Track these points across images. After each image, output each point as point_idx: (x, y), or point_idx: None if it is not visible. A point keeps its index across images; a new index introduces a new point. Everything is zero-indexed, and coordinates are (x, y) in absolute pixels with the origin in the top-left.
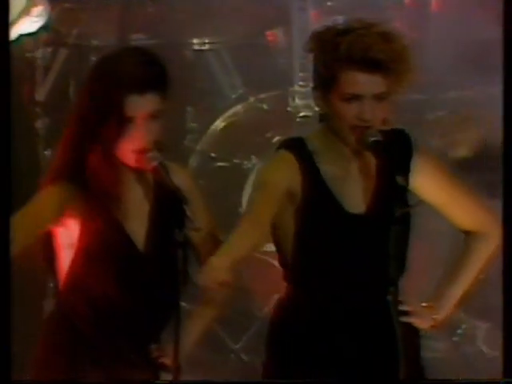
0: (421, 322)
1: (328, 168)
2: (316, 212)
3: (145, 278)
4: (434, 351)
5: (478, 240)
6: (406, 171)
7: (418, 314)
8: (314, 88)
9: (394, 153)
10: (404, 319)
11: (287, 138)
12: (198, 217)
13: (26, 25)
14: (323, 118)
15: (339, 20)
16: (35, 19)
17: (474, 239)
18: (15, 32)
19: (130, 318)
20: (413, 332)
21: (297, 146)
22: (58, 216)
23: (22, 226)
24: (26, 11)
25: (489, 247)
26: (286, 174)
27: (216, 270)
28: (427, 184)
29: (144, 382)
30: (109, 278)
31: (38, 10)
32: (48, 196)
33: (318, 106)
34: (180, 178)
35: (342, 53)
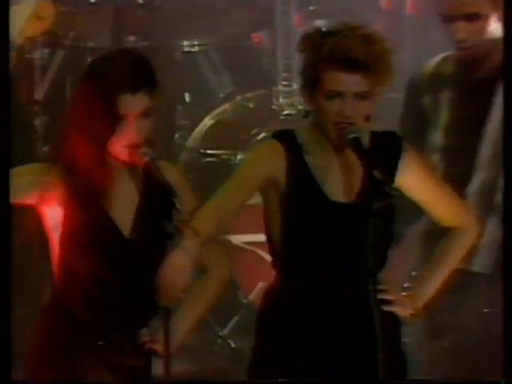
0: (401, 311)
1: (314, 159)
2: (300, 199)
3: (130, 263)
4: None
5: (458, 234)
6: (393, 169)
7: (399, 303)
8: (302, 86)
9: (381, 151)
10: (385, 308)
11: (279, 130)
12: (188, 210)
13: (34, 27)
14: (309, 114)
15: (321, 23)
16: (43, 21)
17: (455, 234)
18: (24, 34)
19: (118, 302)
20: (393, 320)
21: (286, 137)
22: (42, 189)
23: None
24: (34, 14)
25: (468, 241)
26: (271, 159)
27: (200, 221)
28: (413, 182)
29: (144, 382)
30: (95, 263)
31: (46, 12)
32: (34, 185)
33: (305, 102)
34: (170, 175)
35: (325, 53)
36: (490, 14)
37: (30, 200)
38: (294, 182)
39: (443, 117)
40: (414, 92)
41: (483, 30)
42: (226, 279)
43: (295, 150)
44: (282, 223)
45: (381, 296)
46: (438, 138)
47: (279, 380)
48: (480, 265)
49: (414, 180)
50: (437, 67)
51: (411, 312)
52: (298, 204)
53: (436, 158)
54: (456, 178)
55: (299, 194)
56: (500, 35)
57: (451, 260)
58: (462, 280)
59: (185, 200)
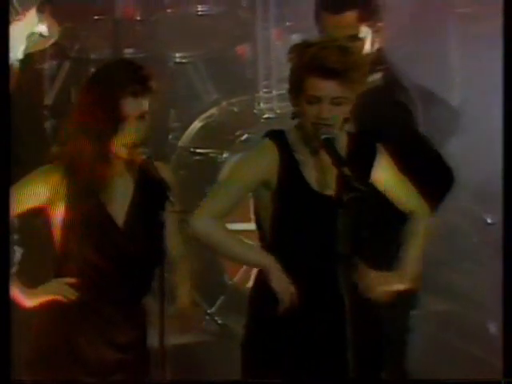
0: (391, 287)
1: (301, 157)
2: (291, 194)
3: (123, 249)
4: None
5: (418, 220)
6: (369, 167)
7: (379, 283)
8: (288, 91)
9: (356, 151)
10: (366, 290)
11: (272, 130)
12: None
13: (39, 43)
14: (295, 116)
15: (296, 37)
16: (48, 37)
17: (416, 219)
18: (28, 49)
19: (113, 283)
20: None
21: (279, 137)
22: (49, 195)
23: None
24: (37, 33)
25: (425, 223)
26: (266, 163)
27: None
28: (384, 177)
29: (145, 382)
30: (93, 249)
31: (51, 30)
32: (41, 182)
33: (292, 105)
34: (164, 173)
35: (306, 62)
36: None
37: (41, 205)
38: (286, 178)
39: None
40: None
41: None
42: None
43: (286, 148)
44: (273, 215)
45: (360, 277)
46: None
47: (279, 380)
48: None
49: (385, 175)
50: None
51: (402, 287)
52: (289, 198)
53: None
54: None
55: (290, 189)
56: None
57: (419, 240)
58: None
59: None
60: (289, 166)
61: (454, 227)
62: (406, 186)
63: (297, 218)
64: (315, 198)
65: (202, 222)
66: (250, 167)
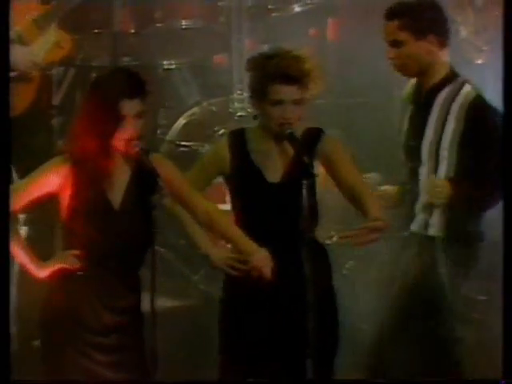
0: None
1: (255, 149)
2: (242, 180)
3: (118, 228)
4: None
5: (361, 193)
6: (313, 153)
7: (357, 235)
8: (250, 97)
9: (307, 141)
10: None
11: (235, 128)
12: (176, 187)
13: (55, 54)
14: (256, 117)
15: (266, 48)
16: (63, 49)
17: (358, 192)
18: (47, 59)
19: (111, 256)
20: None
21: (235, 134)
22: (59, 182)
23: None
24: (57, 43)
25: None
26: (220, 154)
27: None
28: (328, 163)
29: (147, 382)
30: (93, 228)
31: (66, 42)
32: (52, 172)
33: (253, 108)
34: (161, 162)
35: (270, 71)
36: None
37: (54, 190)
38: (237, 167)
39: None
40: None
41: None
42: None
43: (240, 143)
44: (231, 199)
45: (340, 235)
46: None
47: (277, 380)
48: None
49: (328, 161)
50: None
51: (376, 235)
52: (241, 183)
53: None
54: None
55: (241, 176)
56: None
57: (367, 197)
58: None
59: (172, 179)
60: (241, 156)
61: None
62: (348, 166)
63: (251, 202)
64: (266, 186)
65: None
66: (204, 163)
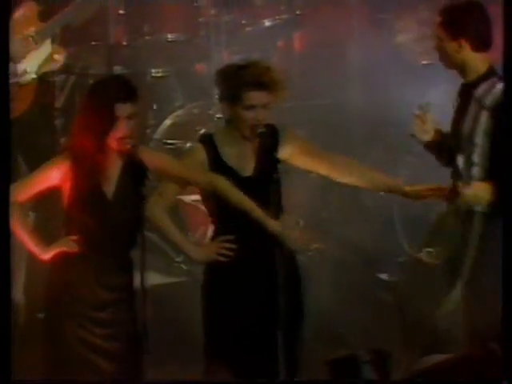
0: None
1: (226, 150)
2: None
3: (111, 215)
4: None
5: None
6: (276, 148)
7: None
8: (221, 102)
9: (271, 138)
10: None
11: (202, 134)
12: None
13: (49, 65)
14: (228, 120)
15: (240, 58)
16: (57, 62)
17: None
18: (42, 70)
19: (106, 239)
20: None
21: (206, 139)
22: (61, 176)
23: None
24: (49, 57)
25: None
26: (197, 159)
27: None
28: (291, 153)
29: (153, 382)
30: (90, 216)
31: (60, 55)
32: (55, 168)
33: (223, 113)
34: (145, 154)
35: (243, 80)
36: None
37: (57, 183)
38: (214, 167)
39: None
40: None
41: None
42: None
43: (212, 147)
44: (212, 194)
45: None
46: None
47: (276, 380)
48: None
49: (292, 152)
50: None
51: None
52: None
53: None
54: None
55: (219, 174)
56: None
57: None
58: None
59: (160, 170)
60: (215, 158)
61: None
62: (313, 152)
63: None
64: (240, 179)
65: (152, 209)
66: (185, 168)
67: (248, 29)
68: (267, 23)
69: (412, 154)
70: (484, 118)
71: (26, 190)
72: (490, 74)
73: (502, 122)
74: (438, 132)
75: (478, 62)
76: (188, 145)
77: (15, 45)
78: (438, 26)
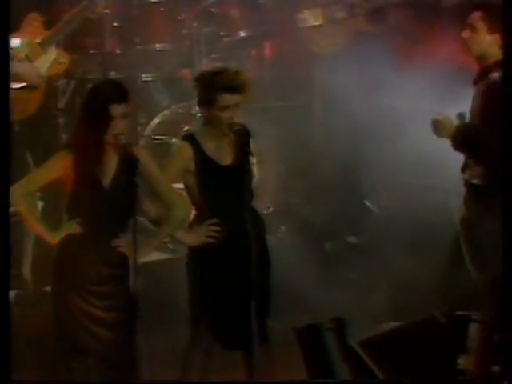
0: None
1: (207, 146)
2: (204, 169)
3: (108, 203)
4: None
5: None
6: (248, 144)
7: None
8: (199, 105)
9: (244, 134)
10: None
11: (186, 134)
12: (151, 171)
13: (55, 68)
14: (206, 120)
15: (218, 64)
16: (61, 65)
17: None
18: (49, 72)
19: (104, 223)
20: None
21: (189, 138)
22: (64, 170)
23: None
24: (56, 60)
25: None
26: (185, 155)
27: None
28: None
29: (146, 382)
30: (88, 204)
31: (65, 58)
32: (59, 162)
33: (202, 114)
34: (139, 152)
35: (218, 84)
36: None
37: (59, 176)
38: (199, 161)
39: None
40: None
41: None
42: (187, 216)
43: (195, 143)
44: (197, 183)
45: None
46: None
47: (280, 380)
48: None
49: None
50: None
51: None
52: (204, 172)
53: None
54: None
55: (202, 167)
56: None
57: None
58: None
59: (148, 164)
60: (199, 153)
61: None
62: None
63: (211, 182)
64: (220, 168)
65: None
66: (175, 164)
67: (226, 39)
68: (242, 34)
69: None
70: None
71: (35, 181)
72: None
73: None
74: (458, 127)
75: (498, 52)
76: (173, 140)
77: (25, 52)
78: (480, 19)
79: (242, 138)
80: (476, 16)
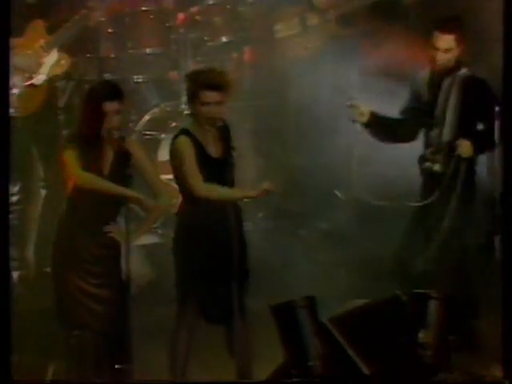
0: None
1: (200, 139)
2: (200, 160)
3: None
4: None
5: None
6: (230, 138)
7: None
8: (187, 101)
9: (227, 130)
10: None
11: (181, 129)
12: (142, 163)
13: (57, 68)
14: (192, 115)
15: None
16: (63, 66)
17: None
18: (52, 72)
19: (101, 206)
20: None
21: (186, 132)
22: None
23: None
24: (57, 63)
25: None
26: (191, 149)
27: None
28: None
29: (145, 382)
30: (89, 192)
31: (65, 60)
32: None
33: (189, 109)
34: (132, 145)
35: (200, 82)
36: None
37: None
38: (198, 153)
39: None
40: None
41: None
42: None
43: (193, 137)
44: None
45: None
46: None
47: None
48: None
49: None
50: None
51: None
52: (199, 163)
53: None
54: None
55: (199, 159)
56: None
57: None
58: None
59: (140, 157)
60: (197, 146)
61: None
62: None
63: (203, 173)
64: (212, 160)
65: (203, 187)
66: (191, 160)
67: (209, 44)
68: (224, 40)
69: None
70: (454, 95)
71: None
72: (458, 65)
73: (504, 119)
74: (373, 114)
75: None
76: (163, 136)
77: (29, 54)
78: (453, 40)
79: (224, 133)
80: (449, 39)
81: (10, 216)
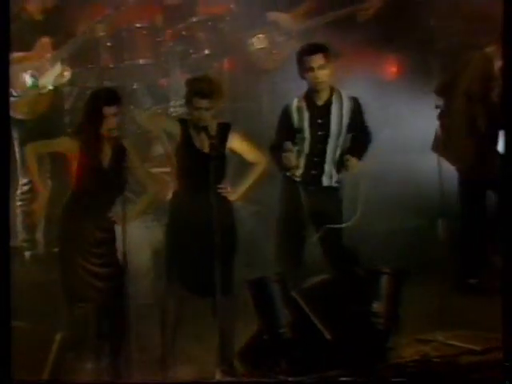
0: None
1: (192, 134)
2: (187, 152)
3: (105, 179)
4: None
5: (256, 166)
6: (225, 140)
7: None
8: (186, 105)
9: (221, 132)
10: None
11: (180, 119)
12: (133, 162)
13: (60, 79)
14: (189, 116)
15: (186, 77)
16: (65, 77)
17: (254, 166)
18: (55, 83)
19: (100, 194)
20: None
21: (182, 121)
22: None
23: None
24: (60, 74)
25: (260, 169)
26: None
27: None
28: (235, 146)
29: (144, 382)
30: (91, 179)
31: (67, 72)
32: (62, 141)
33: (187, 112)
34: (126, 144)
35: (192, 89)
36: None
37: (62, 151)
38: (184, 144)
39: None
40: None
41: None
42: (157, 196)
43: (186, 129)
44: (180, 164)
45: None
46: None
47: (276, 380)
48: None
49: (235, 145)
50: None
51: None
52: (188, 154)
53: None
54: None
55: (187, 150)
56: None
57: (252, 176)
58: None
59: (131, 155)
60: (187, 139)
61: None
62: (249, 148)
63: (191, 162)
64: (199, 153)
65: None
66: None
67: (194, 56)
68: (207, 52)
69: None
70: (345, 119)
71: (43, 146)
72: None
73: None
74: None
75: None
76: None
77: (36, 66)
78: (323, 58)
79: (223, 132)
80: (319, 57)
81: (21, 203)
